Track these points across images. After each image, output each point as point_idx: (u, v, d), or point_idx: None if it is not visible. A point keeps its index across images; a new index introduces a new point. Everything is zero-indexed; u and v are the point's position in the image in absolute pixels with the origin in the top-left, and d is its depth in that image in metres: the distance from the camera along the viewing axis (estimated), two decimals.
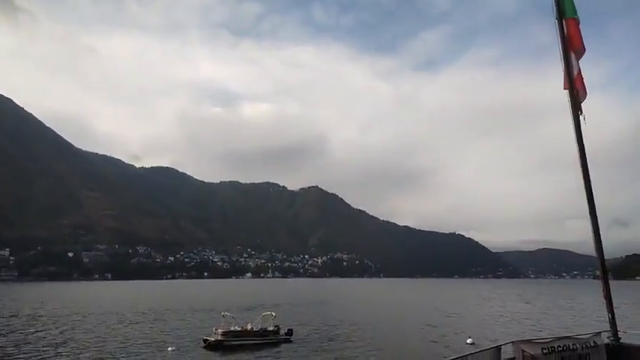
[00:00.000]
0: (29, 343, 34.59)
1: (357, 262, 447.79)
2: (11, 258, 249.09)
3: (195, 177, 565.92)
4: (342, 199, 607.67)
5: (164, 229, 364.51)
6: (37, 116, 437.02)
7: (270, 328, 36.45)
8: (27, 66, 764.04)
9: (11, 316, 55.10)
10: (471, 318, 55.23)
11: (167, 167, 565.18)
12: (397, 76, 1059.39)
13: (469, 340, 33.97)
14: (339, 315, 57.39)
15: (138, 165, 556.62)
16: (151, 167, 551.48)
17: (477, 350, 8.87)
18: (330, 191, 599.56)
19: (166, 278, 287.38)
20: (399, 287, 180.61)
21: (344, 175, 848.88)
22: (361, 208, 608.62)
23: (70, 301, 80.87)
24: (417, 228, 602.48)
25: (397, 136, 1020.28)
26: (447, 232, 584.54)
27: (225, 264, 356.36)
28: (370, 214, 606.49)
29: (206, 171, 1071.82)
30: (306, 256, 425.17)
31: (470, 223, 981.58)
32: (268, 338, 35.41)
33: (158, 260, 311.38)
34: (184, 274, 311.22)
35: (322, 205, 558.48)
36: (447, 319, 52.19)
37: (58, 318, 52.04)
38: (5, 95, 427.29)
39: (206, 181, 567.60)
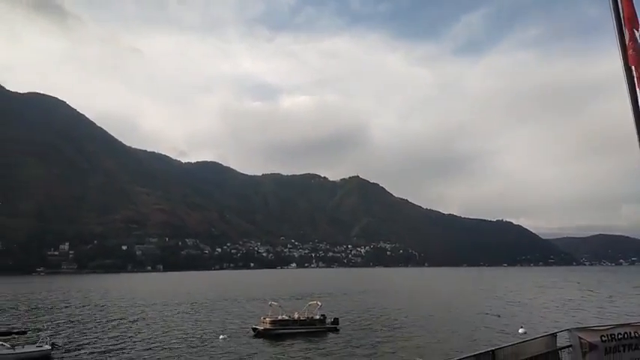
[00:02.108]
0: (100, 330, 36.82)
1: (400, 251, 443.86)
2: (71, 252, 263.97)
3: (238, 170, 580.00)
4: (383, 188, 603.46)
5: (211, 221, 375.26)
6: (88, 117, 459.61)
7: (317, 317, 36.96)
8: (77, 68, 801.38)
9: (83, 306, 58.81)
10: (528, 306, 53.67)
11: (212, 162, 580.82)
12: (437, 61, 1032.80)
13: (521, 330, 33.11)
14: (385, 304, 57.31)
15: (184, 160, 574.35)
16: (197, 162, 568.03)
17: (532, 338, 8.65)
18: (371, 180, 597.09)
19: (214, 269, 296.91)
20: (446, 276, 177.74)
21: (385, 164, 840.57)
22: (404, 197, 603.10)
23: (129, 292, 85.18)
24: (462, 216, 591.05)
25: (439, 123, 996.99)
26: (493, 219, 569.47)
27: (271, 255, 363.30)
28: (413, 202, 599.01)
29: (249, 164, 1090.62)
30: (349, 246, 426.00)
31: (518, 210, 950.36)
32: (315, 327, 35.93)
33: (206, 252, 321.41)
34: (231, 264, 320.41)
35: (364, 194, 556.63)
36: (503, 309, 50.92)
37: (122, 308, 55.19)
38: (60, 98, 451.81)
39: (249, 174, 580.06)
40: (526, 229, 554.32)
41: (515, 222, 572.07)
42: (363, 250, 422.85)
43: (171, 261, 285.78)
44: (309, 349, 29.14)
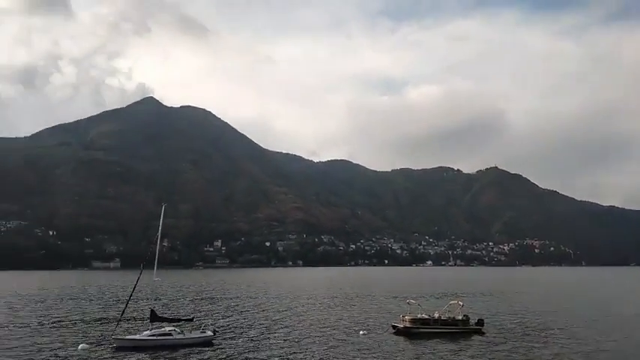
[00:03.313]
0: (253, 319, 40.04)
1: (551, 248, 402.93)
2: (223, 248, 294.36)
3: (368, 167, 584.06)
4: (526, 178, 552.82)
5: (344, 218, 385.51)
6: (231, 124, 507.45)
7: (459, 318, 35.01)
8: (219, 79, 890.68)
9: (237, 297, 65.07)
10: None
11: (342, 159, 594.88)
12: (585, 32, 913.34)
13: None
14: (537, 306, 52.10)
15: (316, 160, 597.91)
16: (328, 161, 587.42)
17: None
18: (511, 171, 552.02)
19: (349, 265, 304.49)
20: (610, 276, 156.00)
21: (527, 152, 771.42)
22: (551, 188, 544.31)
23: (276, 286, 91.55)
24: (626, 207, 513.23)
25: (590, 101, 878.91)
26: None
27: (405, 252, 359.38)
28: (563, 193, 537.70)
29: (378, 160, 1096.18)
30: (490, 243, 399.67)
31: None
32: (457, 328, 34.06)
33: (341, 248, 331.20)
34: (365, 261, 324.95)
35: (504, 186, 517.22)
36: None
37: (271, 300, 59.88)
38: (207, 109, 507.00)
39: (379, 170, 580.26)
40: None
41: None
42: (506, 248, 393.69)
43: (309, 256, 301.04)
44: (454, 351, 27.61)
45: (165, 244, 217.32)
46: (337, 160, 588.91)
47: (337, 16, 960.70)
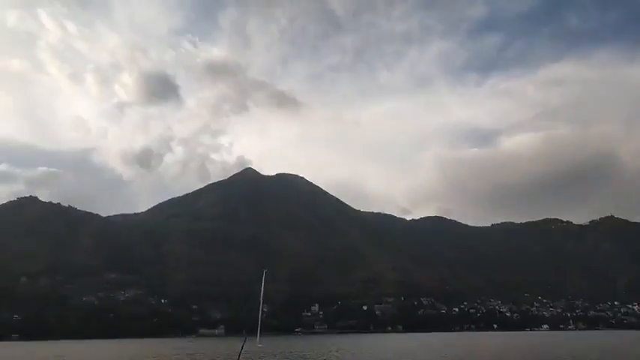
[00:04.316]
0: None
1: None
2: (320, 312, 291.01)
3: (464, 222, 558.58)
4: None
5: (443, 278, 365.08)
6: (323, 187, 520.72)
7: None
8: (309, 146, 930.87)
9: None
10: None
11: (435, 216, 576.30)
12: None
13: None
14: None
15: (408, 218, 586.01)
16: (420, 218, 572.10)
17: None
18: (632, 220, 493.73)
19: (455, 330, 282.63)
20: None
21: None
22: None
23: (392, 356, 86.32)
24: None
25: None
26: None
27: (515, 314, 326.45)
28: None
29: (474, 215, 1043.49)
30: (616, 303, 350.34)
31: None
32: None
33: (443, 311, 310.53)
34: (472, 325, 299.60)
35: (625, 237, 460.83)
36: None
37: None
38: (299, 175, 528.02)
39: (476, 225, 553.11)
40: None
41: None
42: (636, 308, 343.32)
43: (410, 321, 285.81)
44: None
45: (265, 309, 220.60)
46: (430, 217, 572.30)
47: (421, 75, 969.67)
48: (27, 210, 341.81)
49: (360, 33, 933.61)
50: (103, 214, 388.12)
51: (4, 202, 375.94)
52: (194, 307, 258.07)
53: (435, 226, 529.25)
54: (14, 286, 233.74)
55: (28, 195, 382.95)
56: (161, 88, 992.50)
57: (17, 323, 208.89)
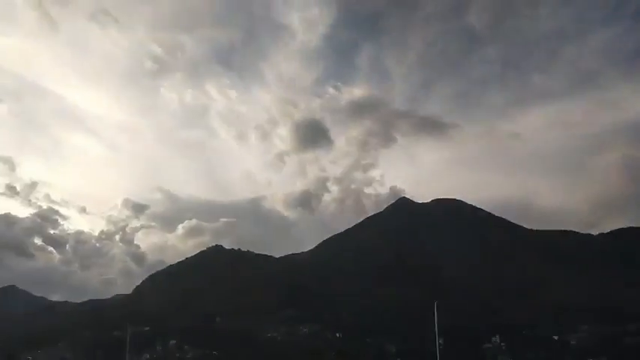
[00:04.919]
0: None
1: None
2: (502, 344, 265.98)
3: None
4: None
5: None
6: (485, 209, 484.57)
7: None
8: (463, 167, 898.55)
9: None
10: None
11: (631, 227, 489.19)
12: None
13: None
14: None
15: (595, 232, 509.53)
16: (611, 231, 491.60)
17: None
18: None
19: None
20: None
21: None
22: None
23: None
24: None
25: None
26: None
27: None
28: None
29: None
30: None
31: None
32: None
33: None
34: None
35: None
36: None
37: None
38: (457, 198, 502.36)
39: None
40: None
41: None
42: None
43: (613, 352, 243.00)
44: None
45: (440, 341, 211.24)
46: (624, 228, 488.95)
47: (583, 71, 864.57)
48: (215, 258, 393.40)
49: (505, 41, 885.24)
50: (276, 255, 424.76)
51: (197, 252, 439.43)
52: (368, 340, 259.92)
53: (633, 238, 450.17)
54: (212, 326, 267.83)
55: (213, 245, 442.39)
56: (312, 134, 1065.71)
57: (213, 358, 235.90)
